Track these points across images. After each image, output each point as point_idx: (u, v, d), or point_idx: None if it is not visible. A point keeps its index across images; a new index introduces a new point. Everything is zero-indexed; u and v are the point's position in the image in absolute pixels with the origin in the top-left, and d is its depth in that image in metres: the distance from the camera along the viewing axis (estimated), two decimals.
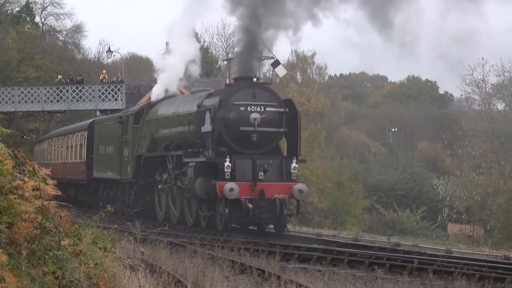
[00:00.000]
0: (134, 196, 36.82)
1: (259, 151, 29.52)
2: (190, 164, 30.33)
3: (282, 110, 29.86)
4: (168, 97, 37.70)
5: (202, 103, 30.71)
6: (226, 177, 28.43)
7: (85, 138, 45.23)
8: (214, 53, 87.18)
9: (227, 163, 28.47)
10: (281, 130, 30.02)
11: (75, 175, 47.15)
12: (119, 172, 38.71)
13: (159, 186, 34.44)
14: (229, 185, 27.92)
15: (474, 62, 70.47)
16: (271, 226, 31.27)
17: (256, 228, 30.98)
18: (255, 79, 30.50)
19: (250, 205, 28.18)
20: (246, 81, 30.18)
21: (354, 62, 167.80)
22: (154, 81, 51.44)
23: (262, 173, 28.79)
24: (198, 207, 30.74)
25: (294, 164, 29.48)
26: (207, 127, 29.65)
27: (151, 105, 37.57)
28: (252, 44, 30.62)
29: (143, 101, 55.01)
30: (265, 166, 28.85)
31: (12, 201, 8.39)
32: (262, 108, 29.38)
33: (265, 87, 31.92)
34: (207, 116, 29.63)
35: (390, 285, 16.62)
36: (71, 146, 48.48)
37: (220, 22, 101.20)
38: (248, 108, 29.31)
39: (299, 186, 29.12)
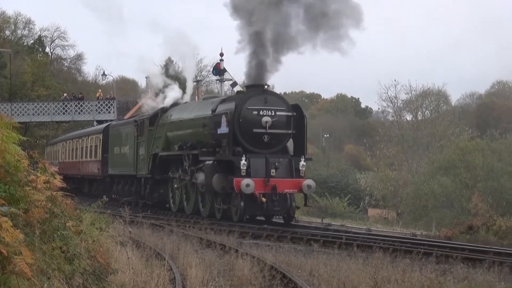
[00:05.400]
0: (149, 189, 34.19)
1: (270, 150, 26.46)
2: (207, 162, 27.10)
3: (290, 114, 26.83)
4: (177, 103, 34.79)
5: (217, 108, 27.87)
6: (242, 174, 25.46)
7: (100, 140, 42.87)
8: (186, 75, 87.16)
9: (243, 161, 25.50)
10: (289, 131, 26.91)
11: (90, 172, 44.91)
12: (134, 168, 35.85)
13: (174, 182, 31.47)
14: (246, 181, 25.03)
15: (389, 82, 71.04)
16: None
17: (264, 219, 27.71)
18: (266, 87, 27.92)
19: (263, 199, 25.47)
20: (258, 88, 27.14)
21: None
22: (139, 98, 51.35)
23: (274, 170, 25.82)
24: (214, 201, 27.74)
25: (302, 162, 26.58)
26: (223, 129, 26.79)
27: (164, 110, 34.45)
28: (263, 57, 27.50)
29: (130, 113, 54.88)
30: (276, 164, 25.88)
31: (27, 191, 8.33)
32: (273, 112, 26.39)
33: (275, 93, 29.33)
34: (223, 119, 26.78)
35: (324, 256, 16.61)
36: (86, 147, 46.08)
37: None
38: (260, 112, 26.31)
39: (307, 182, 26.15)
